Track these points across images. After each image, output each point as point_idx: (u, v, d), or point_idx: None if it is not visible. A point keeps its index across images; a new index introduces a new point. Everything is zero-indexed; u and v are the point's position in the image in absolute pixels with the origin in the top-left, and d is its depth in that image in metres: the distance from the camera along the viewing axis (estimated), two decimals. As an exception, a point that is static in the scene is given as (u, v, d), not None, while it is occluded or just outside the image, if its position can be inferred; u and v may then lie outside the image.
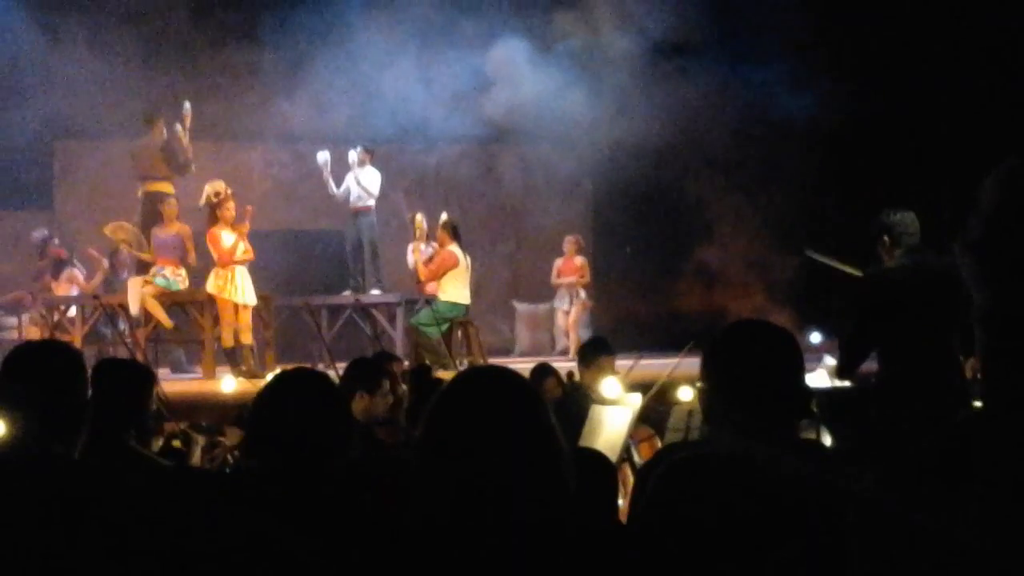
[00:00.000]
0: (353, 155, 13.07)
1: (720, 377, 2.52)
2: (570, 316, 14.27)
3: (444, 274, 11.53)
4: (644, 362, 8.64)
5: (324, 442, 2.87)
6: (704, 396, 2.57)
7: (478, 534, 2.12)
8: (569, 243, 14.32)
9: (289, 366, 3.42)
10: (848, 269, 6.26)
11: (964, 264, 1.54)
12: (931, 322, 5.63)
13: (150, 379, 4.31)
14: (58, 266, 13.13)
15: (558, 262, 14.43)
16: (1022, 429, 1.39)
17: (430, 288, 11.76)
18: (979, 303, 1.44)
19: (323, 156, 13.08)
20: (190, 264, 11.65)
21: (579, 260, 14.33)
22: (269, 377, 5.38)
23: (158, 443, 4.67)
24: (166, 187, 12.22)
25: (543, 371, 7.15)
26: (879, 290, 5.77)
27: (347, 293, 13.19)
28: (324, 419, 2.90)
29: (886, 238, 5.80)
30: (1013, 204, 1.31)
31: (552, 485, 2.21)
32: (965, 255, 1.51)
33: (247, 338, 11.26)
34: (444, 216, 12.22)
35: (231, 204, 11.25)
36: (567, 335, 14.30)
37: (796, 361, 2.53)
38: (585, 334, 13.81)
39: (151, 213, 12.09)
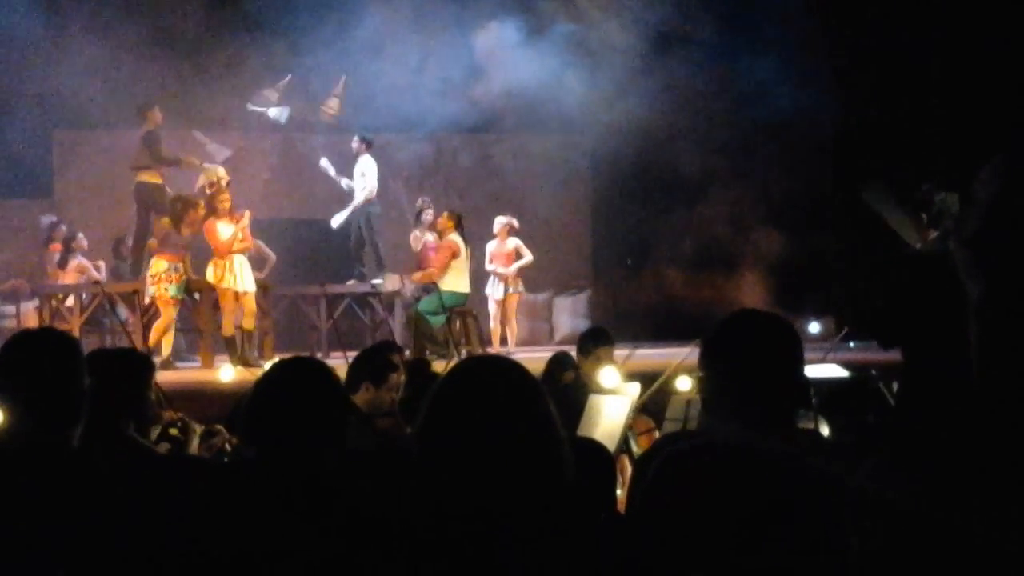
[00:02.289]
0: (353, 145, 13.14)
1: (719, 367, 2.52)
2: (506, 307, 13.08)
3: (449, 264, 11.56)
4: (644, 352, 8.64)
5: (321, 431, 2.86)
6: (703, 386, 2.57)
7: (478, 524, 2.12)
8: (500, 225, 13.12)
9: (288, 355, 3.40)
10: (900, 227, 6.11)
11: (959, 257, 1.56)
12: (958, 311, 5.53)
13: (148, 368, 4.30)
14: (64, 256, 13.11)
15: (490, 246, 13.26)
16: (1016, 421, 1.39)
17: (436, 276, 11.71)
18: (975, 296, 1.44)
19: (323, 162, 13.40)
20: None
21: (511, 244, 13.15)
22: (267, 366, 5.36)
23: (156, 431, 4.67)
24: (154, 177, 12.18)
25: (565, 360, 7.11)
26: (911, 274, 5.63)
27: (352, 282, 13.21)
28: (321, 408, 2.89)
29: (924, 216, 5.58)
30: (1009, 198, 1.31)
31: (551, 475, 2.21)
32: (960, 249, 1.53)
33: (250, 324, 11.28)
34: (430, 207, 12.51)
35: (225, 196, 11.25)
36: (501, 325, 13.21)
37: (795, 351, 2.53)
38: (584, 324, 13.78)
39: (143, 203, 12.10)
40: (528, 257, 13.18)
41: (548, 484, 2.19)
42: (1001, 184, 1.35)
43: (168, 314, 11.08)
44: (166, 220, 11.25)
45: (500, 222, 13.16)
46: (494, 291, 13.22)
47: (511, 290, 13.14)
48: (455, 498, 2.15)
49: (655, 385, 6.58)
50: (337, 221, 13.32)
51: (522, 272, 13.31)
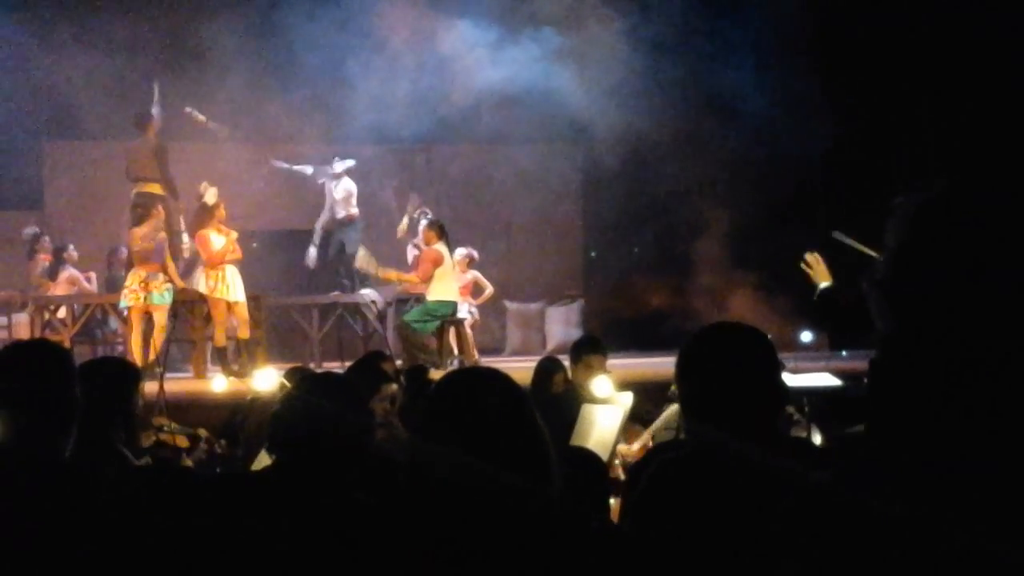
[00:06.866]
0: (338, 166, 13.26)
1: (700, 378, 2.56)
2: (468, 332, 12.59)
3: (431, 273, 11.52)
4: (636, 360, 8.64)
5: (350, 443, 2.92)
6: (684, 394, 2.62)
7: (470, 534, 2.12)
8: (460, 256, 12.77)
9: (282, 365, 3.43)
10: (871, 252, 6.15)
11: (870, 297, 1.61)
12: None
13: (135, 377, 4.28)
14: (55, 267, 13.08)
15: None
16: (905, 444, 1.40)
17: (420, 287, 11.74)
18: (881, 331, 1.49)
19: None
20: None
21: (470, 276, 13.06)
22: (257, 376, 5.32)
23: (150, 439, 4.66)
24: (155, 188, 12.16)
25: (552, 366, 7.12)
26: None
27: (336, 293, 13.23)
28: (350, 421, 2.95)
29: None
30: (917, 242, 1.34)
31: (540, 484, 2.21)
32: (871, 290, 1.59)
33: (245, 332, 11.29)
34: (428, 216, 12.50)
35: (220, 207, 11.30)
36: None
37: (769, 359, 2.59)
38: (577, 333, 13.79)
39: (139, 214, 12.08)
40: (489, 290, 13.19)
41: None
42: (909, 228, 1.38)
43: (159, 321, 11.08)
44: (137, 229, 11.31)
45: (460, 253, 12.89)
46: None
47: (468, 317, 12.85)
48: (447, 508, 2.16)
49: (655, 424, 6.54)
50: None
51: (484, 303, 13.36)
